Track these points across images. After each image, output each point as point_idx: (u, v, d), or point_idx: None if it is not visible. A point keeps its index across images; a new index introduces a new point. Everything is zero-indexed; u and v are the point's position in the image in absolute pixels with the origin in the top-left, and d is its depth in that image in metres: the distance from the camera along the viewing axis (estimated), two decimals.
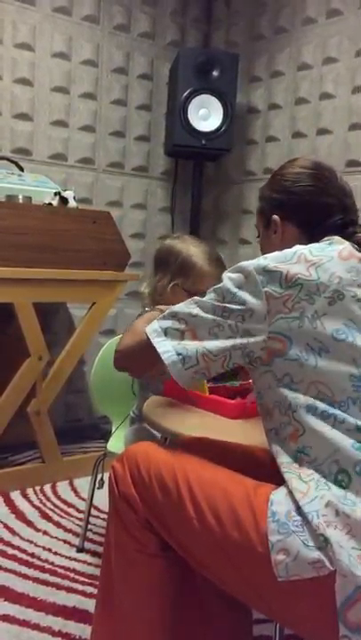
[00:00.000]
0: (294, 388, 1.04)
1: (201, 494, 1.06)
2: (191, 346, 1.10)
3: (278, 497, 1.01)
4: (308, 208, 1.24)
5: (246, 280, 1.08)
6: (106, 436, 2.04)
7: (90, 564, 1.90)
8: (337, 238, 1.16)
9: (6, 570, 1.84)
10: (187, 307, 1.13)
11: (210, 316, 1.09)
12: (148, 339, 1.13)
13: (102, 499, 1.98)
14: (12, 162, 2.66)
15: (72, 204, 2.44)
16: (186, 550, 1.09)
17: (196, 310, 1.11)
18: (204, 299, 1.12)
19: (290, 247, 1.17)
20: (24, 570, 1.85)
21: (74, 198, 2.45)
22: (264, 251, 1.34)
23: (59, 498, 2.37)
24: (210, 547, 1.03)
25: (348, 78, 2.72)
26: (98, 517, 2.19)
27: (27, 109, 2.84)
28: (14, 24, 2.77)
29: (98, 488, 1.97)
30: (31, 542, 2.02)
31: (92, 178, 3.07)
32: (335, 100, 2.78)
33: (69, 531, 2.11)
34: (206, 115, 2.96)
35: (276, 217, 1.27)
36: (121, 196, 3.18)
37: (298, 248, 1.10)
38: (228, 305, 1.08)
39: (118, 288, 2.56)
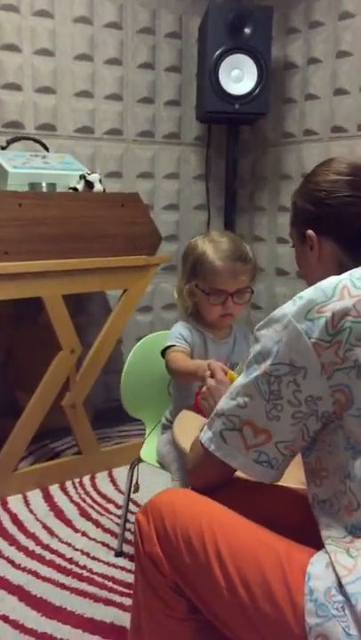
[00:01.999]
0: (357, 449, 0.92)
1: (230, 562, 0.97)
2: (267, 448, 0.99)
3: (317, 570, 0.90)
4: (348, 222, 1.08)
5: (286, 331, 0.94)
6: None
7: (128, 570, 1.86)
8: None
9: (44, 579, 1.83)
10: (231, 399, 1.01)
11: (261, 401, 0.97)
12: (210, 451, 1.04)
13: (140, 495, 1.98)
14: (37, 141, 2.54)
15: (98, 187, 2.31)
16: (216, 617, 1.01)
17: (241, 400, 0.99)
18: (243, 381, 0.99)
19: (329, 267, 1.04)
20: (62, 579, 1.83)
21: (100, 181, 2.32)
22: (301, 267, 1.20)
23: (98, 492, 2.35)
24: (241, 619, 0.95)
25: None
26: None
27: (49, 82, 2.68)
28: None
29: (133, 492, 1.92)
30: (69, 545, 2.00)
31: (121, 150, 2.92)
32: None
33: (108, 531, 2.09)
34: (239, 76, 2.73)
35: (311, 232, 1.12)
36: (152, 166, 3.02)
37: (338, 280, 0.95)
38: (272, 369, 0.94)
39: (150, 272, 2.44)
